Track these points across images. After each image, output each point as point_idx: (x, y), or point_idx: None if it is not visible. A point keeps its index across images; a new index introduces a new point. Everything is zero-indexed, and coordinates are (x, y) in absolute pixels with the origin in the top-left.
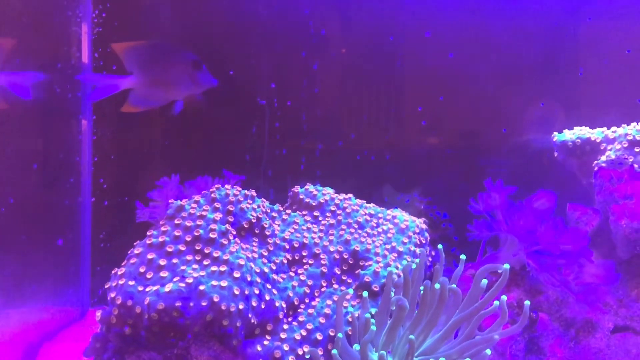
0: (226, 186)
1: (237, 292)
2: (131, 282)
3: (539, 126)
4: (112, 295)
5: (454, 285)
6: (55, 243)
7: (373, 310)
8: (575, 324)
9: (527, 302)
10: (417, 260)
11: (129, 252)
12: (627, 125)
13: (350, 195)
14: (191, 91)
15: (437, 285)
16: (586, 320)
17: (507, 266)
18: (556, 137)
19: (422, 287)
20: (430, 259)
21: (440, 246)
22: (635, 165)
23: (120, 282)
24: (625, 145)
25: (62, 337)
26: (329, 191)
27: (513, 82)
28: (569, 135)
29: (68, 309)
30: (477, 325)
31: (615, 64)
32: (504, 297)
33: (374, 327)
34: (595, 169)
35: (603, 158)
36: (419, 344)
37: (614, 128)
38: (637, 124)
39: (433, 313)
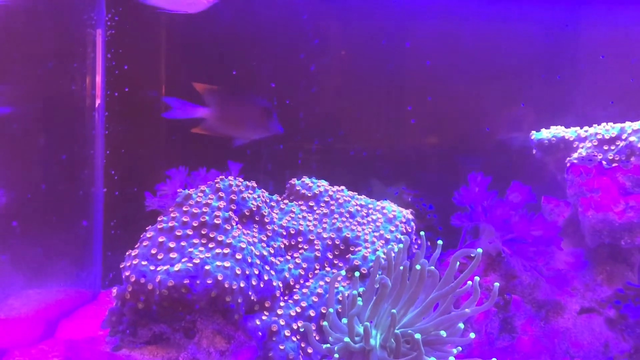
0: (229, 177)
1: (238, 272)
2: (144, 262)
3: (519, 125)
4: (127, 273)
5: (432, 267)
6: (71, 230)
7: (361, 290)
8: (546, 306)
9: (496, 284)
10: (401, 245)
11: (141, 236)
12: (598, 125)
13: (342, 187)
14: (257, 135)
15: (417, 267)
16: (556, 302)
17: (479, 250)
18: (534, 135)
19: (401, 267)
20: (416, 247)
21: (422, 233)
22: (604, 162)
23: (134, 262)
24: (595, 144)
25: (78, 315)
26: (324, 183)
27: (496, 84)
28: (546, 134)
29: (82, 291)
30: (452, 302)
31: (591, 68)
32: (477, 278)
33: (360, 302)
34: (568, 165)
35: (575, 155)
36: (399, 318)
37: (586, 127)
38: (607, 124)
39: (413, 291)
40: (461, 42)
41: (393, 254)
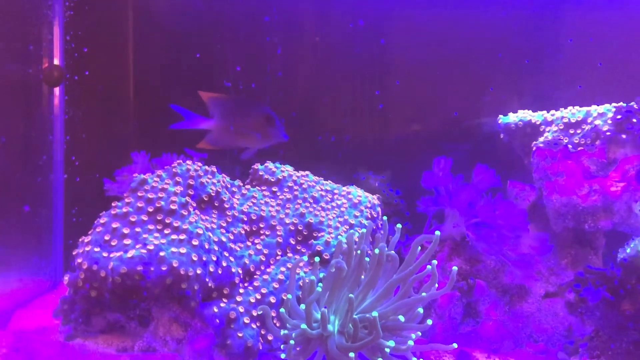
0: (187, 162)
1: (195, 259)
2: (97, 249)
3: (488, 110)
4: (79, 260)
5: (392, 252)
6: (29, 218)
7: (322, 275)
8: (510, 290)
9: (454, 268)
10: (363, 230)
11: (95, 222)
12: (564, 109)
13: (307, 172)
14: (262, 143)
15: (376, 251)
16: (520, 286)
17: (437, 233)
18: (501, 119)
19: (359, 252)
20: (383, 232)
21: (385, 217)
22: (569, 146)
23: (87, 248)
24: (561, 128)
25: (35, 305)
26: (288, 169)
27: (465, 68)
28: (513, 118)
29: (41, 280)
30: (412, 287)
31: (559, 52)
32: (434, 262)
33: (319, 288)
34: (534, 149)
35: (541, 139)
36: (358, 303)
37: (552, 111)
38: (573, 107)
39: (371, 276)
40: (430, 26)
41: (355, 239)
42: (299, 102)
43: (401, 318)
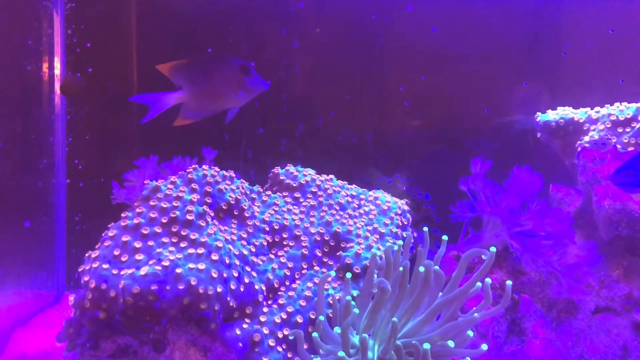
0: (204, 167)
1: (215, 275)
2: (105, 266)
3: (522, 107)
4: (86, 278)
5: (437, 267)
6: (28, 227)
7: (355, 293)
8: (557, 305)
9: (509, 282)
10: (400, 242)
11: (102, 234)
12: (611, 106)
13: (331, 176)
14: (242, 98)
15: (421, 268)
16: (568, 301)
17: (493, 249)
18: (539, 117)
19: (401, 268)
20: (412, 241)
21: (425, 229)
22: (619, 146)
23: (94, 265)
24: (608, 126)
25: (36, 323)
26: (310, 172)
27: (496, 62)
28: (552, 115)
29: (42, 293)
30: (460, 307)
31: (600, 44)
32: (488, 280)
33: (356, 310)
34: (578, 149)
35: (586, 138)
36: (401, 327)
37: (597, 108)
38: (620, 104)
39: (416, 296)
40: (461, 16)
41: (391, 252)
42: (317, 100)
43: (450, 343)
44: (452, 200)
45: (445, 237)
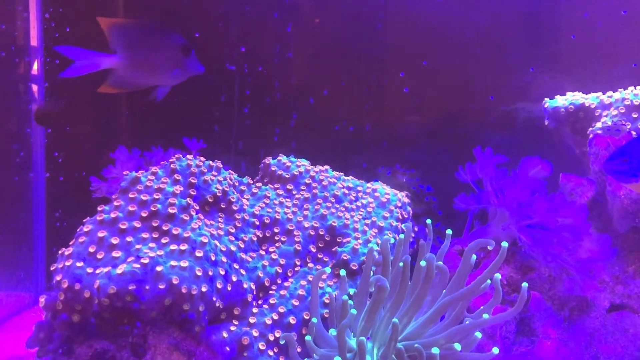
0: (188, 156)
1: (199, 273)
2: (79, 264)
3: (528, 93)
4: (58, 278)
5: (440, 263)
6: (4, 223)
7: (352, 291)
8: (569, 303)
9: (524, 284)
10: (401, 236)
11: (77, 230)
12: (624, 90)
13: (327, 167)
14: (175, 80)
15: (422, 263)
16: (581, 298)
17: (505, 244)
18: (547, 103)
19: (401, 264)
20: (412, 235)
21: (428, 221)
22: (633, 132)
23: (67, 263)
24: (622, 111)
25: (10, 327)
26: (304, 163)
27: (501, 45)
28: (561, 101)
29: (19, 294)
30: (467, 306)
31: (611, 25)
32: (497, 276)
33: (353, 311)
34: (590, 136)
35: (599, 125)
36: (402, 328)
37: (609, 93)
38: (635, 88)
39: (418, 294)
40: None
41: (389, 247)
42: (312, 86)
43: (457, 346)
44: (455, 192)
45: (449, 231)
